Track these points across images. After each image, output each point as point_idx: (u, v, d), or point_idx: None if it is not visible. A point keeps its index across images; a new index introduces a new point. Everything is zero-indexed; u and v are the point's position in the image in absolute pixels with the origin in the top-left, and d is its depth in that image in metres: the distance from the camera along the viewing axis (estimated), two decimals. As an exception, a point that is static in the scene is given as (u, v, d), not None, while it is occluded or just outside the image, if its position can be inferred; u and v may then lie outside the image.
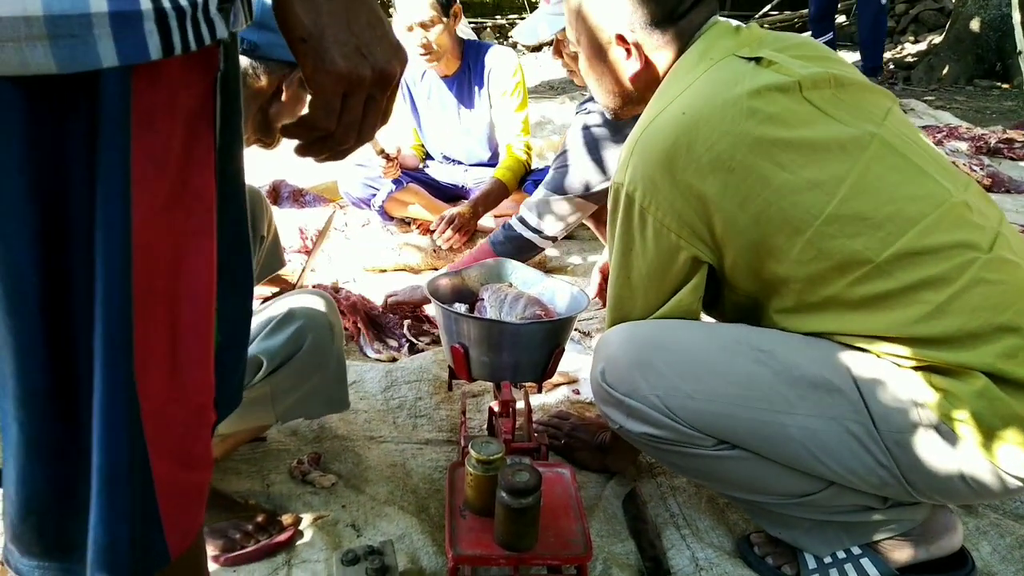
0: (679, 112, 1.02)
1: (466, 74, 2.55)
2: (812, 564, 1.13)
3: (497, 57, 2.52)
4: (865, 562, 1.11)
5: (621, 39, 1.15)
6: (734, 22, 1.17)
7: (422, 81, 2.62)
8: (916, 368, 0.96)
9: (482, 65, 2.52)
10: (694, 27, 1.13)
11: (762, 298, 1.06)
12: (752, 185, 0.98)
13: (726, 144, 0.98)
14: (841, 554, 1.12)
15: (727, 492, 1.13)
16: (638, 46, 1.15)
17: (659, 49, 1.15)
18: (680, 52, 1.13)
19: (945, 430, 0.94)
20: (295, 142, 0.62)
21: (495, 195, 2.47)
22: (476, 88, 2.55)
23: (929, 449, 0.95)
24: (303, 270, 2.10)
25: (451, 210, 2.42)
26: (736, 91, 1.00)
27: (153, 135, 0.51)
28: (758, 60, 1.04)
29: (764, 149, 0.98)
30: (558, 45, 1.80)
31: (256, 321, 1.23)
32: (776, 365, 1.00)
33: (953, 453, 0.94)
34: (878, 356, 0.98)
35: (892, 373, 0.97)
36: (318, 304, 1.28)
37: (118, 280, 0.51)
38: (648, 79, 1.18)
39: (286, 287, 2.00)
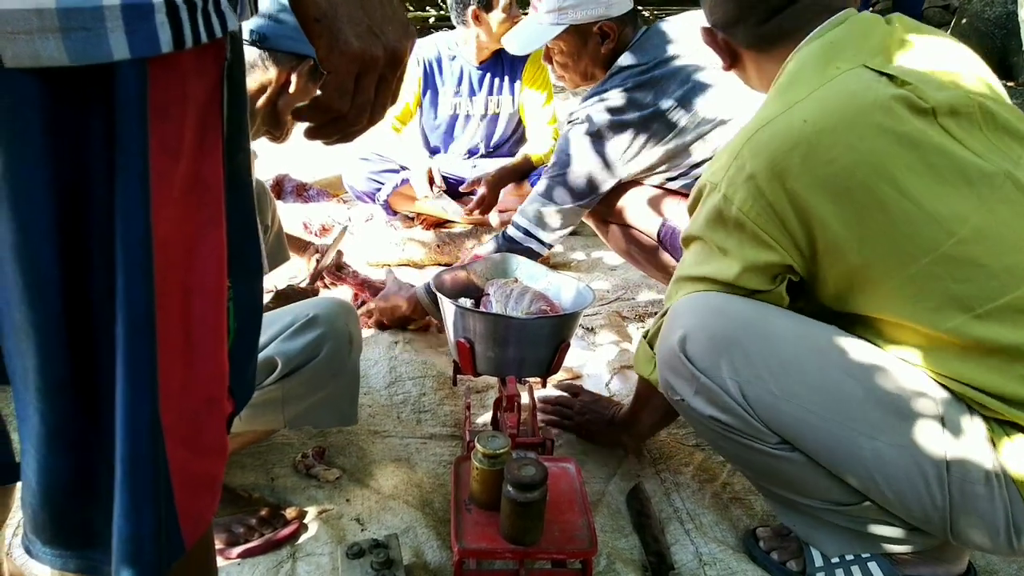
0: (799, 119, 0.95)
1: (499, 62, 2.62)
2: (819, 562, 1.12)
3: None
4: (872, 566, 1.09)
5: (711, 31, 1.17)
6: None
7: (451, 63, 2.65)
8: (1000, 420, 0.93)
9: (512, 56, 2.58)
10: (803, 20, 1.06)
11: (845, 322, 1.01)
12: (867, 208, 0.92)
13: (848, 161, 0.92)
14: (849, 556, 1.10)
15: (765, 485, 1.11)
16: (725, 41, 1.16)
17: (744, 45, 1.14)
18: (786, 45, 1.08)
19: (1012, 490, 0.91)
20: (295, 136, 0.62)
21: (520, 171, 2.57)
22: (508, 76, 2.64)
23: (989, 504, 0.92)
24: (316, 273, 2.08)
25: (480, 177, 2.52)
26: (865, 106, 0.93)
27: (168, 125, 0.51)
28: (891, 77, 0.96)
29: (887, 172, 0.91)
30: (548, 52, 1.80)
31: (280, 322, 1.22)
32: (869, 384, 0.95)
33: (1012, 513, 0.91)
34: (961, 398, 0.94)
35: (977, 422, 0.93)
36: (341, 314, 1.26)
37: (140, 271, 0.51)
38: (742, 70, 1.19)
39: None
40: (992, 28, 5.63)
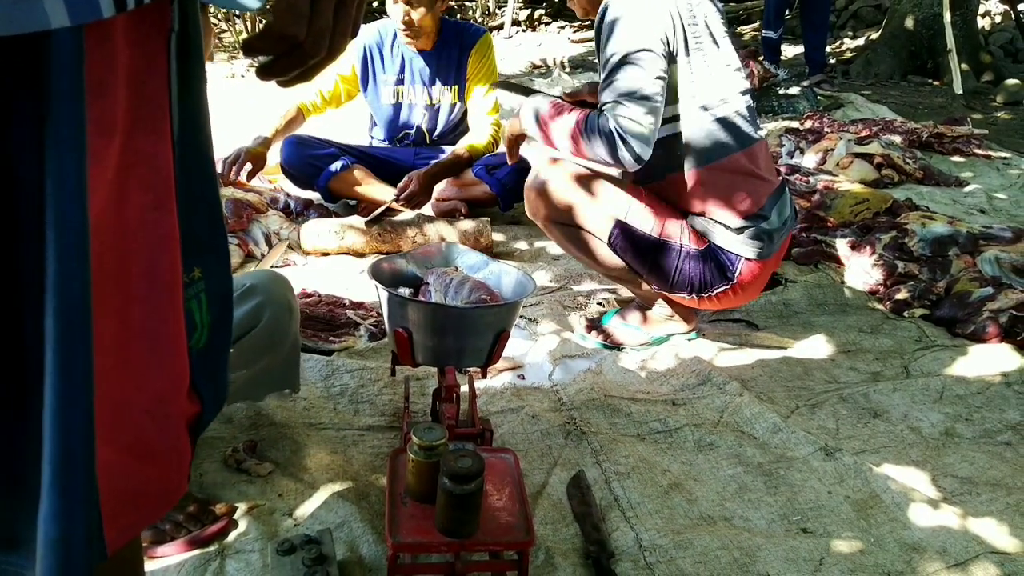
0: None
1: (443, 50, 2.58)
2: None
3: (473, 37, 2.60)
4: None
5: None
6: None
7: (393, 48, 2.60)
8: None
9: (459, 44, 2.58)
10: None
11: None
12: None
13: None
14: None
15: None
16: None
17: None
18: None
19: None
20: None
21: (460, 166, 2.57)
22: (452, 66, 2.60)
23: None
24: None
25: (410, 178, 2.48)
26: None
27: (103, 100, 0.47)
28: None
29: None
30: None
31: None
32: None
33: None
34: None
35: None
36: (278, 283, 1.26)
37: (75, 259, 0.47)
38: None
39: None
40: (920, 28, 5.85)
